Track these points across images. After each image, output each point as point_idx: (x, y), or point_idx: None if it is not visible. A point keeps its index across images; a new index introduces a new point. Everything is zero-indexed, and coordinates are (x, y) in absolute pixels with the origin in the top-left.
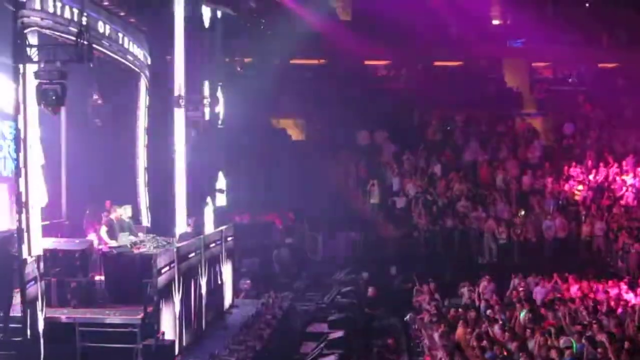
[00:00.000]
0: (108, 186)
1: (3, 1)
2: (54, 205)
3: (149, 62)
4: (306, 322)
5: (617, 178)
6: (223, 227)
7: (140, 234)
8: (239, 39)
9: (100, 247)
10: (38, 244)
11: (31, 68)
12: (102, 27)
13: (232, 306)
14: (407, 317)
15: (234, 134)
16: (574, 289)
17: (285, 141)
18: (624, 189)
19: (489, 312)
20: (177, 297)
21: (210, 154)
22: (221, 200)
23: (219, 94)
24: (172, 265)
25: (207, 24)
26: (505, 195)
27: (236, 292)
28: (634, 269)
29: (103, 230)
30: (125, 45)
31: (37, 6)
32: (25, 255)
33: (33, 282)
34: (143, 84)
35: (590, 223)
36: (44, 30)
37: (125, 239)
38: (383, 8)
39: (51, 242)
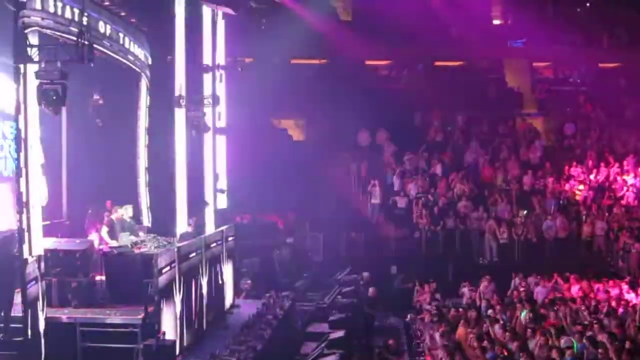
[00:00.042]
0: (109, 186)
1: (4, 1)
2: (54, 205)
3: (150, 62)
4: (307, 322)
5: (618, 178)
6: (224, 227)
7: (141, 234)
8: (239, 39)
9: (101, 247)
10: (39, 243)
11: (32, 68)
12: (103, 27)
13: (232, 306)
14: (408, 317)
15: (235, 134)
16: (575, 289)
17: (285, 141)
18: (625, 188)
19: (489, 312)
20: (177, 297)
21: (211, 154)
22: (222, 200)
23: (220, 94)
24: (172, 265)
25: (207, 24)
26: (506, 195)
27: (237, 292)
28: (635, 268)
29: (104, 230)
30: (126, 46)
31: (38, 6)
32: (26, 255)
33: (34, 282)
34: (144, 84)
35: (591, 223)
36: (44, 30)
37: (125, 239)
38: (383, 8)
39: (52, 242)
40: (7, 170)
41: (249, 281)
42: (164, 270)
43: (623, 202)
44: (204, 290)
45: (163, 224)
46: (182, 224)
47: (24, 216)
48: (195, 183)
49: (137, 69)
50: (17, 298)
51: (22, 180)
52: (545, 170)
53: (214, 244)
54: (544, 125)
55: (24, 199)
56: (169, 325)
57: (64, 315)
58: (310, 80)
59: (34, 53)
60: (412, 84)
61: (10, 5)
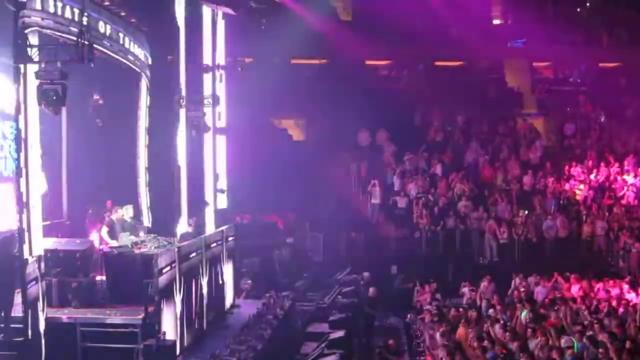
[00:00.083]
0: (109, 186)
1: (4, 1)
2: (54, 205)
3: (150, 62)
4: (307, 322)
5: (618, 178)
6: (224, 227)
7: (141, 234)
8: (239, 39)
9: (101, 247)
10: (39, 244)
11: (32, 68)
12: (103, 27)
13: (233, 306)
14: (408, 317)
15: (235, 134)
16: (575, 289)
17: (285, 141)
18: (625, 188)
19: (490, 312)
20: (178, 297)
21: (211, 154)
22: (222, 200)
23: (220, 94)
24: (173, 265)
25: (207, 24)
26: (506, 195)
27: (237, 292)
28: (635, 268)
29: (104, 230)
30: (126, 45)
31: (38, 6)
32: (26, 255)
33: (34, 282)
34: (144, 84)
35: (591, 223)
36: (44, 31)
37: (126, 239)
38: (383, 8)
39: (52, 242)
40: (7, 170)
41: (249, 281)
42: (164, 270)
43: (623, 201)
44: (204, 290)
45: (163, 224)
46: (182, 224)
47: (24, 216)
48: (195, 183)
49: (137, 69)
50: (18, 298)
51: (22, 180)
52: (546, 170)
53: (214, 244)
54: (544, 125)
55: (24, 199)
56: (169, 325)
57: (64, 315)
58: (310, 80)
59: (34, 53)
60: (412, 84)
61: (10, 5)
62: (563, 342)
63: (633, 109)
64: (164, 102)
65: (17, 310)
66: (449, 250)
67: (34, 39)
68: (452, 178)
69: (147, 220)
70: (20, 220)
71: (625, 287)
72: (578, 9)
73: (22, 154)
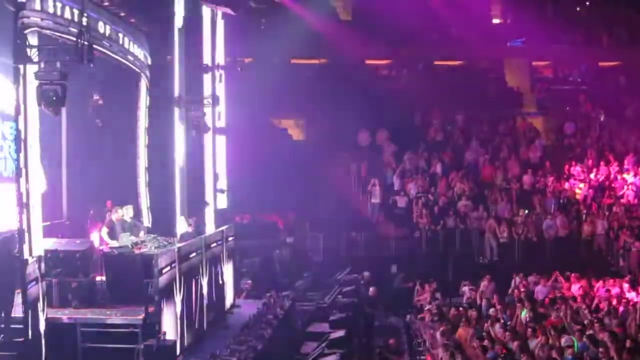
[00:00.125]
0: (109, 186)
1: (3, 1)
2: (54, 205)
3: (150, 63)
4: (307, 321)
5: (618, 177)
6: (224, 227)
7: (141, 234)
8: (239, 39)
9: (101, 247)
10: (39, 244)
11: (31, 69)
12: (103, 28)
13: (233, 306)
14: (408, 316)
15: (235, 134)
16: (575, 288)
17: (285, 141)
18: (625, 187)
19: (490, 311)
20: (178, 297)
21: (211, 154)
22: (222, 200)
23: (220, 94)
24: (173, 265)
25: (206, 24)
26: (506, 194)
27: (237, 292)
28: (635, 267)
29: (104, 231)
30: (126, 46)
31: (37, 7)
32: (26, 255)
33: (34, 282)
34: (143, 84)
35: (591, 222)
36: (44, 31)
37: (126, 239)
38: (383, 8)
39: (52, 243)
40: (7, 170)
41: (249, 281)
42: (164, 271)
43: (623, 200)
44: (205, 291)
45: (163, 224)
46: (182, 224)
47: (24, 216)
48: (195, 183)
49: (136, 69)
50: (18, 299)
51: (22, 181)
52: (546, 170)
53: (214, 244)
54: (544, 124)
55: (24, 199)
56: (170, 325)
57: (65, 315)
58: (310, 80)
59: (33, 53)
60: (412, 83)
61: (9, 5)
62: (563, 341)
63: (633, 108)
64: (164, 102)
65: (18, 311)
66: (449, 249)
67: (33, 40)
68: (452, 177)
69: (147, 220)
70: (20, 221)
71: (626, 286)
72: (578, 9)
73: (22, 154)
